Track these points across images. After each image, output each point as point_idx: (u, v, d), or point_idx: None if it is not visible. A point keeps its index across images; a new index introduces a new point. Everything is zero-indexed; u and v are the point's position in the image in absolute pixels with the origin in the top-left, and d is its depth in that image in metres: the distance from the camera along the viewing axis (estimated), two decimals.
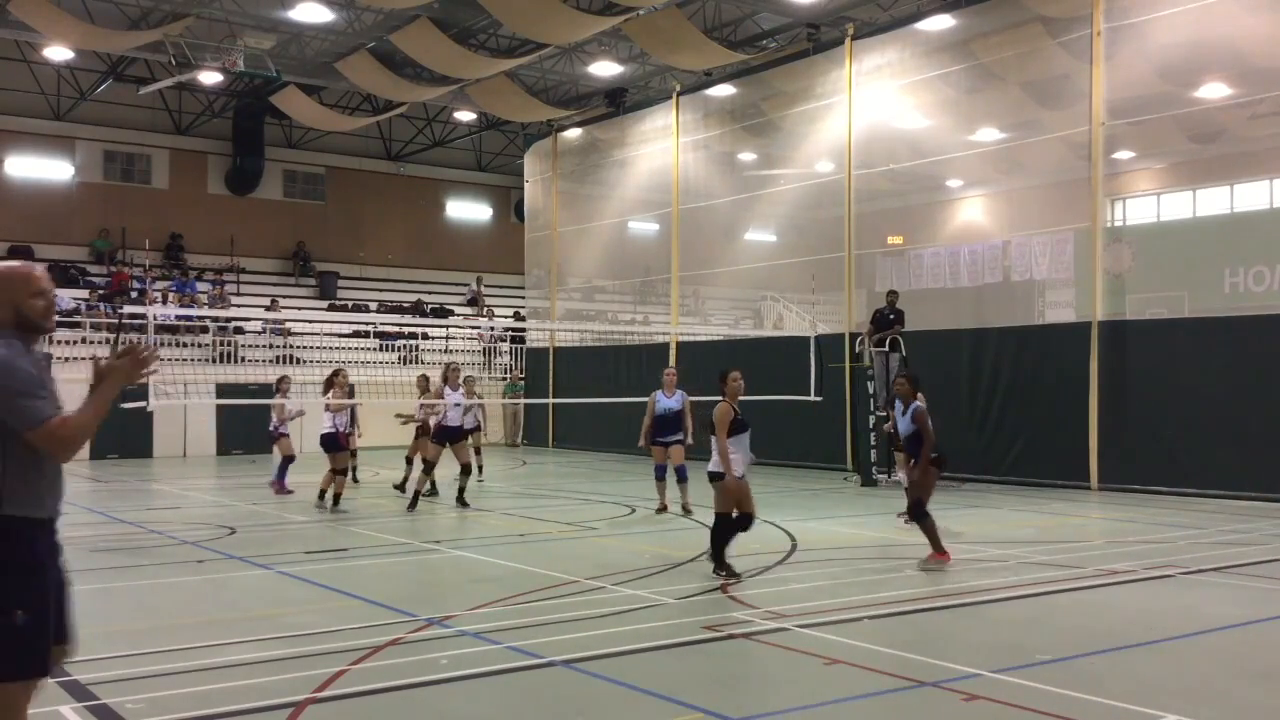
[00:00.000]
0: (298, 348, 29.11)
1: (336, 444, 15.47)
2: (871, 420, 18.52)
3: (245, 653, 7.06)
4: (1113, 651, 7.21)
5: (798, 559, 10.79)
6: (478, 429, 18.09)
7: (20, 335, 4.12)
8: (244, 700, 5.90)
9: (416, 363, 29.20)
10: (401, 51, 26.03)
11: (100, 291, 29.34)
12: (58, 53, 27.58)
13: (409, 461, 17.61)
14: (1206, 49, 18.33)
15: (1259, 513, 14.78)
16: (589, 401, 24.84)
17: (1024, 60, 20.81)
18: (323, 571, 10.37)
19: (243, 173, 34.48)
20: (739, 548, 11.54)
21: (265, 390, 20.16)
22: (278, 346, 28.79)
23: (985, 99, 21.82)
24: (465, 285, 36.90)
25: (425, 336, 31.93)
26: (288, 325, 29.55)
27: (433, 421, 15.96)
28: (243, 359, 27.27)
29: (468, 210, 39.74)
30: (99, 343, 25.97)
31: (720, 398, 9.93)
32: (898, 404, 14.01)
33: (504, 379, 30.99)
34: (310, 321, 30.28)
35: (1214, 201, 27.28)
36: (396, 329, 31.10)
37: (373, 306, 33.32)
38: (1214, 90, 19.83)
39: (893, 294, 19.51)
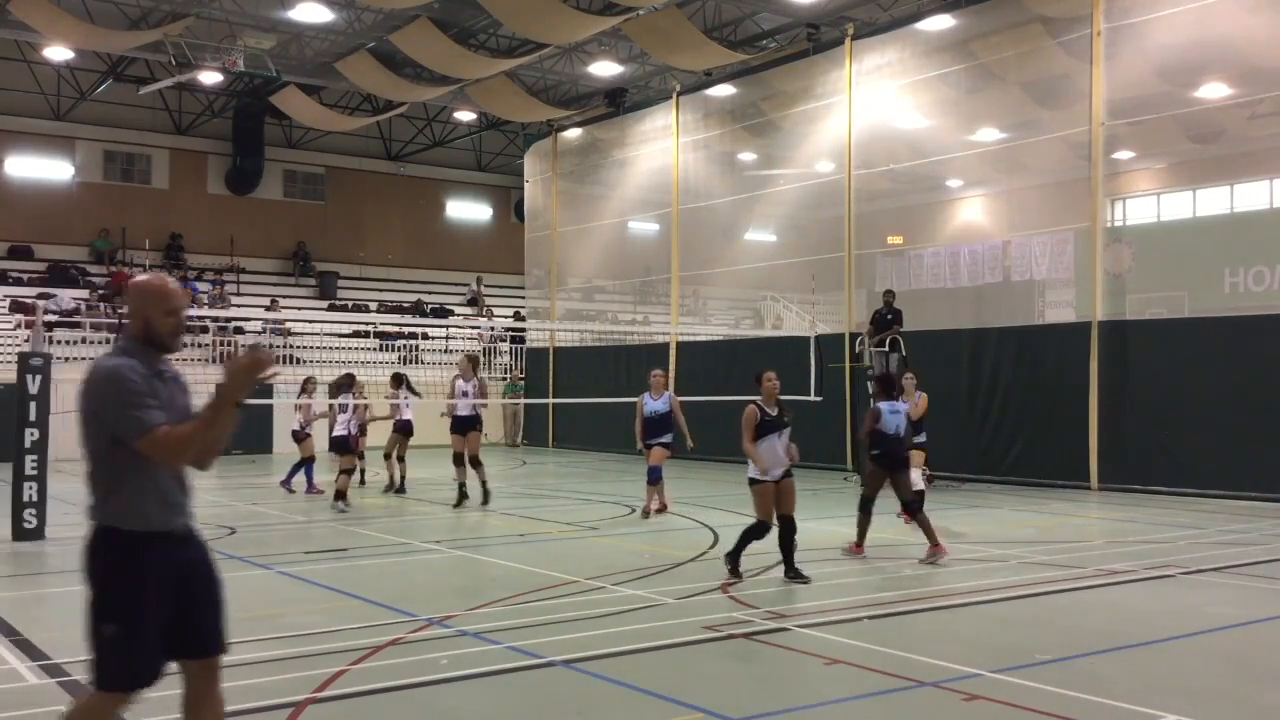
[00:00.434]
0: (298, 348, 29.10)
1: (347, 446, 15.93)
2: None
3: (245, 653, 7.05)
4: (1113, 651, 7.21)
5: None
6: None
7: (144, 349, 4.09)
8: (244, 700, 5.89)
9: (417, 363, 29.20)
10: (401, 51, 26.02)
11: (100, 291, 29.34)
12: (58, 53, 27.58)
13: (389, 459, 17.84)
14: (1206, 49, 18.32)
15: (1259, 513, 14.78)
16: (589, 401, 24.83)
17: (1024, 60, 20.81)
18: (323, 571, 10.37)
19: (243, 173, 34.48)
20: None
21: (265, 390, 20.19)
22: (278, 347, 28.77)
23: (985, 99, 21.81)
24: (465, 285, 36.90)
25: (425, 336, 31.93)
26: (288, 325, 29.54)
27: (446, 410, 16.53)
28: None
29: (468, 210, 39.74)
30: (98, 343, 25.96)
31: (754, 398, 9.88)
32: (900, 402, 14.02)
33: (504, 379, 31.00)
34: (310, 322, 30.26)
35: (1214, 201, 27.26)
36: (396, 329, 31.11)
37: (373, 306, 33.33)
38: (1214, 90, 19.82)
39: (889, 293, 19.50)
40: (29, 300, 25.90)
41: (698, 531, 13.02)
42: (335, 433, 16.11)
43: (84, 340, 25.96)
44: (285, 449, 22.12)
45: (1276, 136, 23.47)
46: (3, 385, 18.03)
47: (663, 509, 14.38)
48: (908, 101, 21.92)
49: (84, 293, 29.16)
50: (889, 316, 19.06)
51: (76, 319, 26.42)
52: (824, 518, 14.44)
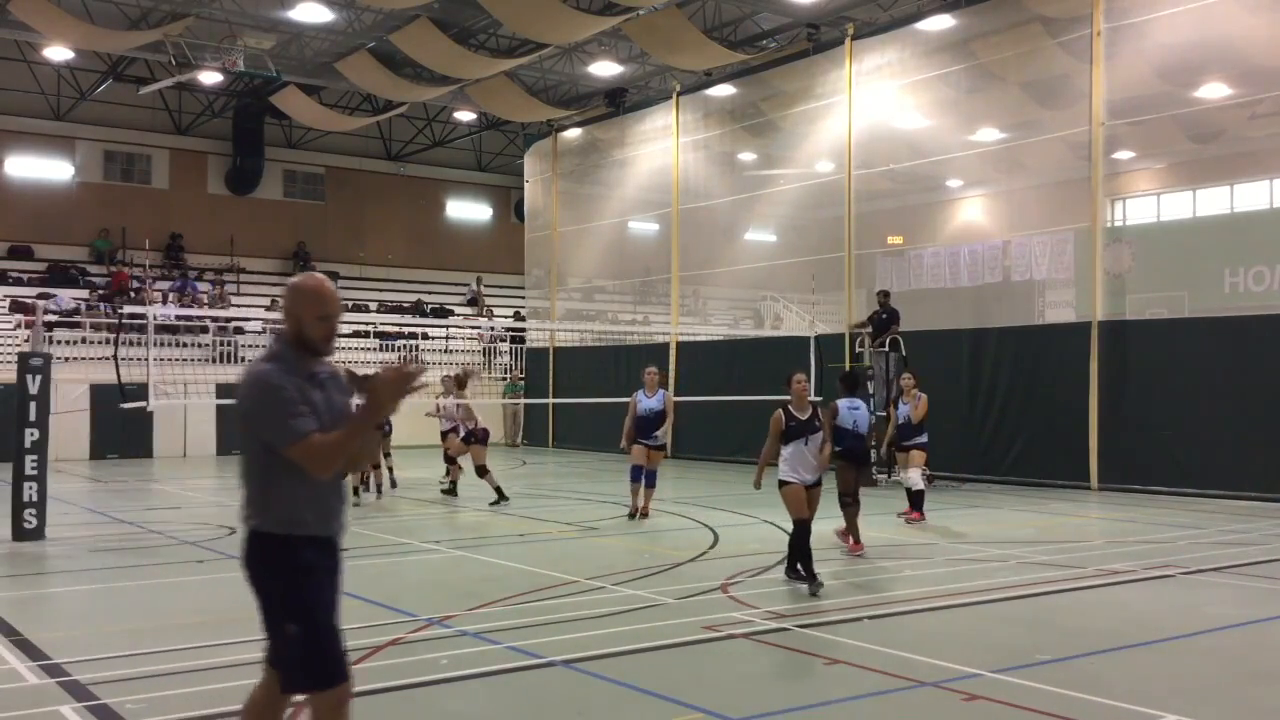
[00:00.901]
0: None
1: None
2: (871, 420, 18.48)
3: (245, 653, 7.04)
4: (1113, 651, 7.21)
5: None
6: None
7: (296, 350, 4.05)
8: (244, 700, 5.89)
9: (417, 363, 29.15)
10: (401, 51, 26.02)
11: (100, 291, 29.35)
12: (58, 53, 27.57)
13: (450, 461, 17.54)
14: (1206, 49, 18.32)
15: (1259, 513, 14.78)
16: (589, 401, 24.81)
17: (1024, 60, 20.80)
18: None
19: (243, 173, 34.48)
20: (737, 547, 11.57)
21: None
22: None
23: (985, 99, 21.81)
24: (465, 285, 36.89)
25: (425, 336, 31.95)
26: None
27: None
28: (243, 359, 27.21)
29: (468, 210, 39.74)
30: (98, 342, 25.97)
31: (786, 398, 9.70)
32: (901, 403, 14.05)
33: (504, 379, 31.00)
34: None
35: (1214, 201, 27.25)
36: (396, 329, 31.12)
37: (373, 306, 33.31)
38: (1214, 90, 19.81)
39: (883, 294, 19.49)
40: (29, 300, 25.89)
41: (698, 531, 13.02)
42: None
43: (84, 340, 26.00)
44: None
45: (1276, 136, 23.45)
46: (3, 385, 18.06)
47: (634, 513, 14.14)
48: (908, 101, 21.91)
49: (84, 293, 29.16)
50: (884, 316, 19.04)
51: (76, 319, 26.43)
52: (823, 518, 14.41)
